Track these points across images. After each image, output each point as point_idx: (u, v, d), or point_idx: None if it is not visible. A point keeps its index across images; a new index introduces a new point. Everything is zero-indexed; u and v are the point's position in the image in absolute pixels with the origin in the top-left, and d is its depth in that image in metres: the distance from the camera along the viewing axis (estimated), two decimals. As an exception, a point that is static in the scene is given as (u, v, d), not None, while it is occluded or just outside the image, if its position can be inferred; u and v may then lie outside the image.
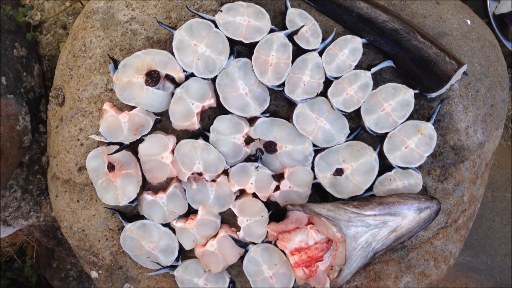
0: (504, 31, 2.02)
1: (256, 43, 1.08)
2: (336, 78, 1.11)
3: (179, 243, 1.14)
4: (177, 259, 1.15)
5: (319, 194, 1.14)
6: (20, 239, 2.20)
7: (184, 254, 1.17)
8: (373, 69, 1.11)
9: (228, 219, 1.16)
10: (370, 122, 1.10)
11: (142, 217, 1.13)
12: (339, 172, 1.11)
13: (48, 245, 1.79)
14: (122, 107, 1.11)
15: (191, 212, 1.15)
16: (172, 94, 1.09)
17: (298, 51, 1.11)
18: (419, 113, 1.14)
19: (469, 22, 1.18)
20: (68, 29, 1.42)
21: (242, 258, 1.14)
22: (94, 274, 1.21)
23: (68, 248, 1.74)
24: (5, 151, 1.22)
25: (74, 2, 1.36)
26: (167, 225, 1.14)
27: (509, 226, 1.74)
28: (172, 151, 1.09)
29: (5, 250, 2.22)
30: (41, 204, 1.38)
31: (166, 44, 1.12)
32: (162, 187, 1.14)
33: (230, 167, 1.11)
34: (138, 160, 1.10)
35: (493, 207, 1.75)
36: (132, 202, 1.11)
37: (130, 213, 1.16)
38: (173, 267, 1.16)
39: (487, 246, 1.72)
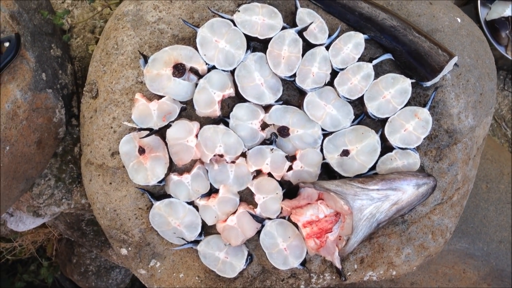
0: (495, 36, 2.16)
1: (270, 39, 1.22)
2: (342, 69, 1.24)
3: (202, 219, 1.26)
4: (200, 235, 1.27)
5: (327, 173, 1.27)
6: (41, 237, 2.32)
7: (206, 231, 1.29)
8: (374, 61, 1.24)
9: (245, 197, 1.29)
10: (372, 108, 1.23)
11: (169, 196, 1.26)
12: (345, 153, 1.24)
13: (72, 238, 1.90)
14: (151, 97, 1.24)
15: (212, 191, 1.27)
16: (196, 84, 1.22)
17: (307, 46, 1.25)
18: (416, 100, 1.27)
19: (459, 20, 1.32)
20: (96, 33, 1.56)
21: (258, 232, 1.26)
22: (124, 251, 1.33)
23: (91, 239, 1.86)
24: (43, 141, 1.35)
25: (103, 8, 1.50)
26: (191, 203, 1.26)
27: (503, 215, 1.86)
28: (196, 136, 1.22)
29: (27, 247, 2.33)
30: (72, 192, 1.50)
31: (190, 41, 1.25)
32: (186, 169, 1.27)
33: (248, 149, 1.24)
34: (166, 144, 1.23)
35: (487, 198, 1.87)
36: (160, 182, 1.24)
37: (158, 193, 1.28)
38: (196, 242, 1.28)
39: (483, 234, 1.84)
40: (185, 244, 1.27)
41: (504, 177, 1.92)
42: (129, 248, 1.32)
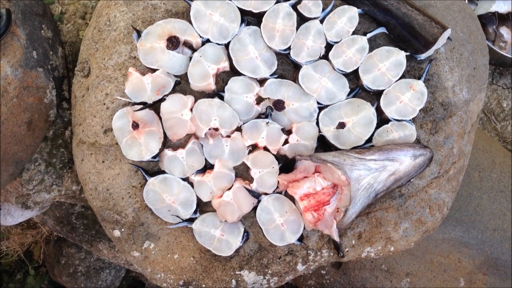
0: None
1: (264, 12, 1.22)
2: (336, 42, 1.24)
3: (197, 196, 1.24)
4: (195, 212, 1.25)
5: (323, 147, 1.26)
6: (29, 239, 2.27)
7: (202, 209, 1.27)
8: (368, 35, 1.24)
9: (241, 173, 1.27)
10: (367, 80, 1.23)
11: (163, 173, 1.24)
12: (341, 125, 1.23)
13: (61, 234, 1.87)
14: (145, 72, 1.22)
15: (207, 167, 1.25)
16: (190, 58, 1.21)
17: (302, 20, 1.24)
18: (411, 73, 1.27)
19: (450, -4, 1.33)
20: (86, 19, 1.55)
21: (254, 209, 1.24)
22: (116, 233, 1.30)
23: (81, 234, 1.82)
24: (33, 122, 1.33)
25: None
26: (186, 179, 1.24)
27: (496, 203, 1.86)
28: (191, 109, 1.21)
29: (14, 250, 2.28)
30: (63, 178, 1.48)
31: (183, 16, 1.25)
32: (181, 145, 1.25)
33: (243, 123, 1.22)
34: (160, 118, 1.22)
35: (480, 186, 1.87)
36: (154, 157, 1.22)
37: (152, 170, 1.26)
38: (191, 220, 1.25)
39: (477, 222, 1.83)
40: (180, 222, 1.25)
41: (496, 166, 1.92)
42: (122, 229, 1.29)
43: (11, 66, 1.22)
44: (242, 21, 1.22)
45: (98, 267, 2.18)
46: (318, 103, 1.24)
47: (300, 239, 1.24)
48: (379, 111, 1.24)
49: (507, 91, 2.27)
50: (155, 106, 1.22)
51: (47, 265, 2.33)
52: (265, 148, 1.23)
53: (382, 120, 1.25)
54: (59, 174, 1.47)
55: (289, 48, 1.23)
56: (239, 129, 1.23)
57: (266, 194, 1.23)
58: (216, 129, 1.21)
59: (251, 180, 1.24)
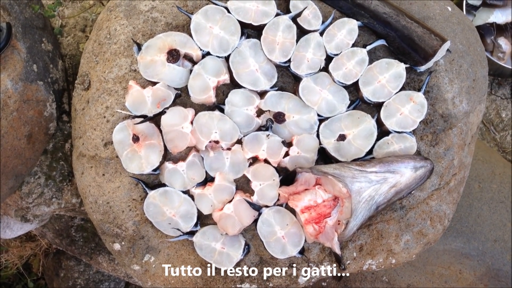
0: (481, 42, 2.19)
1: (264, 25, 1.22)
2: (336, 55, 1.24)
3: (198, 209, 1.24)
4: (195, 225, 1.24)
5: (323, 160, 1.26)
6: (28, 252, 2.26)
7: (202, 222, 1.27)
8: (368, 47, 1.25)
9: (242, 186, 1.27)
10: (367, 92, 1.23)
11: (164, 185, 1.23)
12: (342, 137, 1.23)
13: (60, 247, 1.86)
14: (145, 86, 1.22)
15: (208, 180, 1.25)
16: (191, 71, 1.21)
17: (301, 33, 1.25)
18: (410, 85, 1.28)
19: (449, 8, 1.34)
20: (87, 32, 1.56)
21: (255, 221, 1.23)
22: (117, 246, 1.29)
23: (81, 246, 1.81)
24: (33, 135, 1.33)
25: (94, 4, 1.50)
26: (186, 192, 1.24)
27: (496, 214, 1.85)
28: (191, 122, 1.20)
29: (12, 263, 2.27)
30: (62, 191, 1.47)
31: (183, 29, 1.25)
32: (181, 157, 1.25)
33: (244, 136, 1.22)
34: (161, 131, 1.21)
35: (480, 197, 1.87)
36: (155, 170, 1.22)
37: (152, 183, 1.26)
38: (192, 233, 1.25)
39: (477, 233, 1.83)
40: (180, 235, 1.24)
41: (496, 177, 1.92)
42: (123, 243, 1.28)
43: (12, 80, 1.22)
44: (242, 34, 1.23)
45: (97, 280, 2.16)
46: (318, 115, 1.24)
47: (301, 251, 1.23)
48: (379, 123, 1.24)
49: (505, 101, 2.28)
50: (155, 119, 1.22)
51: (46, 278, 2.31)
52: (266, 161, 1.23)
53: (383, 132, 1.25)
54: (59, 187, 1.46)
55: (289, 61, 1.23)
56: (239, 141, 1.23)
57: (267, 206, 1.23)
58: (217, 142, 1.21)
59: (251, 192, 1.24)
